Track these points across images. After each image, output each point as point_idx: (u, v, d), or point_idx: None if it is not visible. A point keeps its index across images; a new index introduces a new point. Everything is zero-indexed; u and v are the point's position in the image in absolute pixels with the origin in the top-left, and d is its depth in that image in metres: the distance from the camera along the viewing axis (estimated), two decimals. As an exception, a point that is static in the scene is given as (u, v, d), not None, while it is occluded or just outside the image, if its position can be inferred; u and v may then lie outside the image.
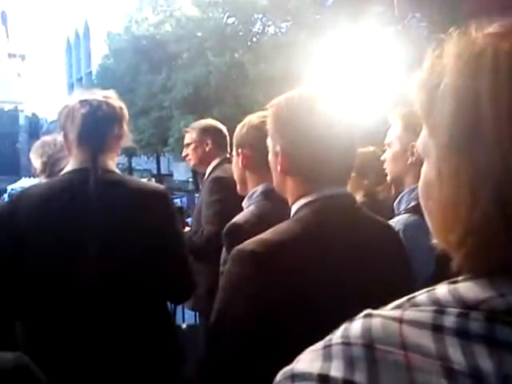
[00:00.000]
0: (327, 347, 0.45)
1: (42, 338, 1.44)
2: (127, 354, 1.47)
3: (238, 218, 1.62)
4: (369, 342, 0.43)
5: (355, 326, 0.45)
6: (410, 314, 0.44)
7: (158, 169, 26.05)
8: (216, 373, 1.07)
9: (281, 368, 0.49)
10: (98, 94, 1.62)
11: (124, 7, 22.72)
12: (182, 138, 3.07)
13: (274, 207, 1.57)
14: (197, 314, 3.19)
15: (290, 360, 0.50)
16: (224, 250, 1.64)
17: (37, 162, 2.26)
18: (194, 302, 2.55)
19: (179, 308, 3.45)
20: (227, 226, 1.60)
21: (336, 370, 0.43)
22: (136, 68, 20.45)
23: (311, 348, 0.47)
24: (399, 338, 0.42)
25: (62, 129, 1.62)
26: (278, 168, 1.15)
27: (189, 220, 5.09)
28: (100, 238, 1.46)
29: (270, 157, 1.20)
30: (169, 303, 1.89)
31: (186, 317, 3.79)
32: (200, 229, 2.56)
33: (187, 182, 24.40)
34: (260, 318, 0.99)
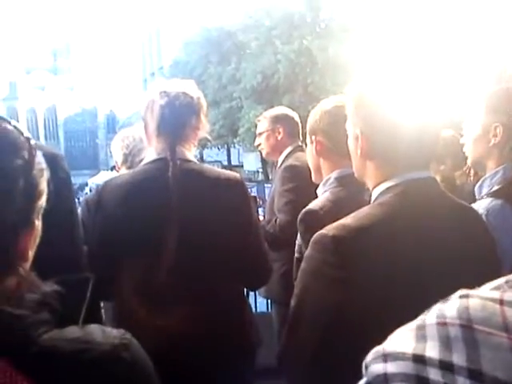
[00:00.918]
0: (421, 327, 0.44)
1: (128, 317, 1.51)
2: (204, 338, 1.51)
3: (313, 204, 1.62)
4: (467, 323, 0.41)
5: (451, 306, 0.44)
6: (511, 295, 0.42)
7: (229, 160, 26.41)
8: (296, 358, 1.08)
9: (361, 353, 0.49)
10: (176, 85, 1.66)
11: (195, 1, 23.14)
12: (253, 128, 3.10)
13: (348, 193, 1.56)
14: (269, 301, 3.23)
15: (369, 345, 0.49)
16: (299, 237, 1.65)
17: (118, 155, 2.35)
18: (267, 290, 2.58)
19: (251, 295, 3.49)
20: (302, 212, 1.61)
21: (432, 351, 0.42)
22: (206, 60, 20.80)
23: (403, 328, 0.47)
24: (501, 319, 0.40)
25: (143, 120, 1.68)
26: (359, 152, 1.13)
27: (260, 210, 5.13)
28: (179, 226, 1.50)
29: (350, 141, 1.18)
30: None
31: (257, 305, 3.83)
32: (274, 217, 2.58)
33: (257, 172, 24.59)
34: (340, 303, 0.99)
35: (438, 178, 2.34)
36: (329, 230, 1.04)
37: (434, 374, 0.41)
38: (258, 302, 3.81)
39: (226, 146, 23.88)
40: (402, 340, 0.45)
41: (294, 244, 1.71)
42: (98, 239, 1.57)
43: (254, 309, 3.65)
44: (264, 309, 3.58)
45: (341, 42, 15.40)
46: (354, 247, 1.00)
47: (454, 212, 1.11)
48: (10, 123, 0.69)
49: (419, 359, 0.42)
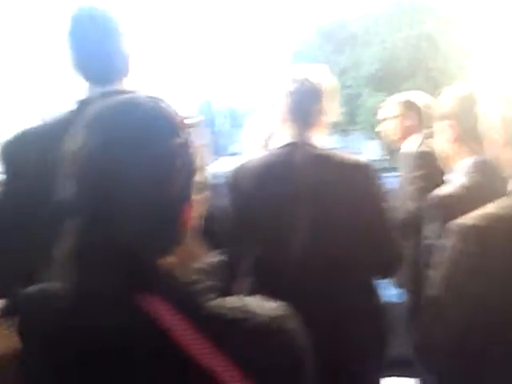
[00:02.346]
0: None
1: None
2: (334, 324, 1.52)
3: (446, 189, 1.57)
4: None
5: None
6: None
7: (347, 148, 26.03)
8: (438, 347, 1.06)
9: (503, 342, 0.46)
10: (306, 71, 1.69)
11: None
12: (371, 115, 3.04)
13: (483, 180, 1.49)
14: (397, 291, 3.14)
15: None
16: (428, 223, 1.60)
17: (257, 139, 2.44)
18: (396, 278, 2.52)
19: (382, 285, 3.39)
20: (433, 197, 1.56)
21: None
22: (321, 50, 20.62)
23: None
24: None
25: (272, 106, 1.73)
26: (500, 139, 1.07)
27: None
28: (310, 210, 1.53)
29: (491, 128, 1.12)
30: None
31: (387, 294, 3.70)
32: (402, 204, 2.52)
33: (375, 160, 23.90)
34: (482, 292, 0.96)
35: None
36: (469, 219, 1.02)
37: None
38: (388, 291, 3.70)
39: (344, 133, 23.58)
40: None
41: (423, 231, 1.66)
42: (235, 221, 1.62)
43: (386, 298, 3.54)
44: (392, 298, 3.48)
45: (463, 25, 14.48)
46: (494, 237, 0.97)
47: None
48: (165, 103, 0.72)
49: None
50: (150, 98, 0.72)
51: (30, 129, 1.32)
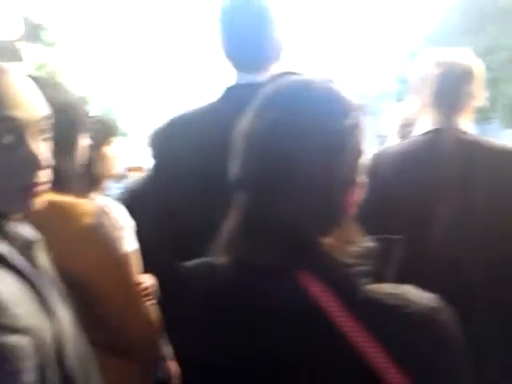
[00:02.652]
0: None
1: None
2: (478, 319, 1.44)
3: None
4: None
5: None
6: None
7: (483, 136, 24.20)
8: None
9: None
10: (451, 54, 1.62)
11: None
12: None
13: None
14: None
15: None
16: None
17: (393, 126, 2.38)
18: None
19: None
20: None
21: None
22: (463, 26, 19.34)
23: None
24: None
25: (416, 90, 1.67)
26: None
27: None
28: (454, 199, 1.46)
29: None
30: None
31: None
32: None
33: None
34: None
35: None
36: None
37: None
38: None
39: (480, 121, 22.03)
40: None
41: None
42: (376, 209, 1.57)
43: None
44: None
45: None
46: None
47: None
48: (336, 84, 0.72)
49: None
50: (321, 78, 0.73)
51: (179, 116, 1.39)
